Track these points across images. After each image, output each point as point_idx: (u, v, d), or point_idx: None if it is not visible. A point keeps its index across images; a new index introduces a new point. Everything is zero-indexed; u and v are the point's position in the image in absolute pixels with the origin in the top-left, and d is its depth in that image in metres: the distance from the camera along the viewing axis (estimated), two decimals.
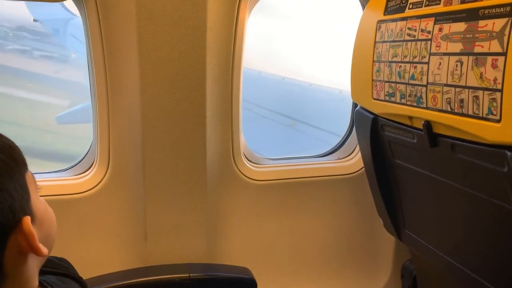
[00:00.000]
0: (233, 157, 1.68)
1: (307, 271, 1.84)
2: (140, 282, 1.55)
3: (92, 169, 1.61)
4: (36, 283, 0.71)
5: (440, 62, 1.10)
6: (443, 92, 1.09)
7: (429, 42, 1.14)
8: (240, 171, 1.70)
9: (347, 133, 1.88)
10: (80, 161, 1.65)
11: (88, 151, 1.65)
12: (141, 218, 1.61)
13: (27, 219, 0.65)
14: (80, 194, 1.56)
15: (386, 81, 1.32)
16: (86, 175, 1.61)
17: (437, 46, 1.11)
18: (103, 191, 1.58)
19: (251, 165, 1.75)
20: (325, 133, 5.02)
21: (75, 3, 1.46)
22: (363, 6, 1.68)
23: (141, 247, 1.64)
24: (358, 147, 1.84)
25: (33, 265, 0.69)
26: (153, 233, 1.63)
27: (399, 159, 1.41)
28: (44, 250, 0.67)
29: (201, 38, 1.45)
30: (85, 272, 0.95)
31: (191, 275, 1.55)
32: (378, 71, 1.36)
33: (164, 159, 1.55)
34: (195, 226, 1.66)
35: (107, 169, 1.58)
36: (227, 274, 1.65)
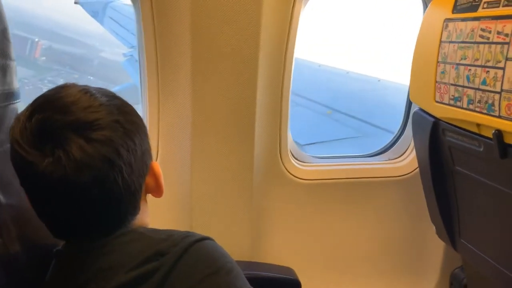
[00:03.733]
0: (280, 155, 1.64)
1: (352, 274, 1.80)
2: None
3: None
4: (149, 221, 0.84)
5: None
6: None
7: (506, 45, 1.05)
8: (286, 169, 1.66)
9: (399, 133, 1.80)
10: None
11: None
12: (186, 214, 1.60)
13: (156, 163, 0.82)
14: None
15: (452, 84, 1.24)
16: None
17: None
18: None
19: (298, 164, 1.71)
20: (364, 124, 4.91)
21: (132, 1, 1.44)
22: (425, 2, 1.58)
23: None
24: (410, 148, 1.76)
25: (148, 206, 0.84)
26: (197, 229, 1.61)
27: (459, 166, 1.33)
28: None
29: (255, 34, 1.40)
30: None
31: None
32: (443, 72, 1.27)
33: (212, 155, 1.52)
34: (240, 223, 1.63)
35: (156, 158, 1.57)
36: (271, 273, 1.62)
